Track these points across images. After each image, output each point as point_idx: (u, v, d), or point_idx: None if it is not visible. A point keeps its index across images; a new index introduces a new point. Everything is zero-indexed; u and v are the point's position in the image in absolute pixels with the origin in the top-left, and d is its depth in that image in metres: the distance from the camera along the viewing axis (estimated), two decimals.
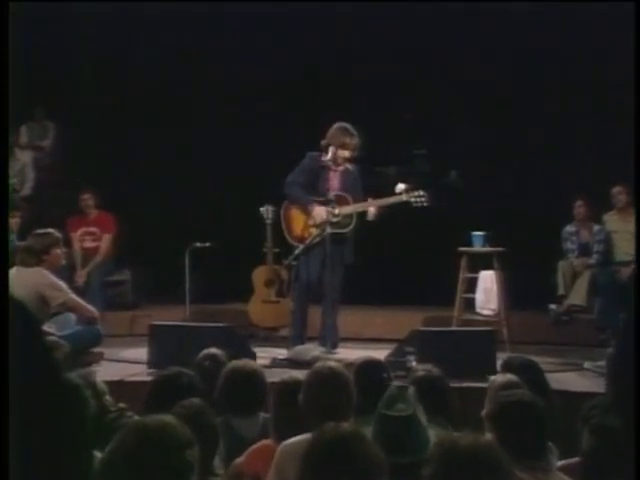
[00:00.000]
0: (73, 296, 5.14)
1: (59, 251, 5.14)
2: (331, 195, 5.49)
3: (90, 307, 5.22)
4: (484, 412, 2.90)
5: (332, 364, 2.85)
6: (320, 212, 5.45)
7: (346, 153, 5.52)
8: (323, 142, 5.56)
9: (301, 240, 5.52)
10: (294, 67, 7.36)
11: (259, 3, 6.99)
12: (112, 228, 6.94)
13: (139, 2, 6.98)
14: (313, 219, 5.50)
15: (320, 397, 2.68)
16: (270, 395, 3.07)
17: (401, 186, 5.49)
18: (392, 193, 5.53)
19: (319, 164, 5.55)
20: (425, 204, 5.45)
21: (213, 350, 3.69)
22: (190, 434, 1.85)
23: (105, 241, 6.89)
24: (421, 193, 5.47)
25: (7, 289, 2.09)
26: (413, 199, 5.46)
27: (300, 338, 5.51)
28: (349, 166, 5.63)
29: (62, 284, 5.09)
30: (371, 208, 5.46)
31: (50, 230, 5.16)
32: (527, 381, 3.20)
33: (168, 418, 1.88)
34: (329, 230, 5.35)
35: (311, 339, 5.61)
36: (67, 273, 6.60)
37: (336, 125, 5.54)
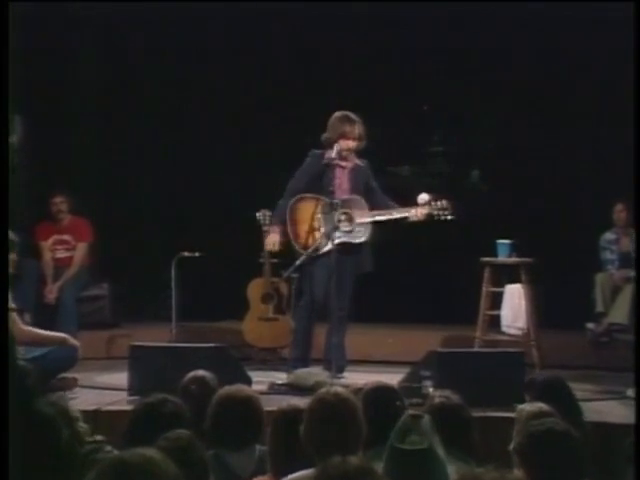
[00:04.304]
0: None
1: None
2: (337, 198, 5.46)
3: None
4: (512, 445, 2.89)
5: (338, 390, 2.84)
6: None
7: (349, 143, 5.47)
8: (323, 136, 5.55)
9: (305, 247, 5.51)
10: (297, 64, 7.44)
11: (260, 2, 7.12)
12: (88, 236, 6.93)
13: (138, 2, 7.09)
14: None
15: (324, 428, 2.68)
16: (267, 426, 3.07)
17: (424, 196, 5.44)
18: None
19: (324, 162, 5.54)
20: (449, 218, 5.41)
21: (201, 372, 3.68)
22: (176, 470, 1.85)
23: (80, 250, 6.87)
24: (444, 205, 5.43)
25: (7, 292, 2.11)
26: (436, 212, 5.42)
27: (303, 361, 5.47)
28: (359, 162, 5.61)
29: None
30: (420, 209, 5.39)
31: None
32: (553, 404, 3.19)
33: (151, 452, 1.88)
34: (334, 238, 5.32)
35: (314, 361, 5.59)
36: (37, 287, 6.63)
37: (335, 114, 5.52)
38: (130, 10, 7.16)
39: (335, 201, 5.40)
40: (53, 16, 7.10)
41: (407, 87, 7.35)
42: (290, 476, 2.62)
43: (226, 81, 7.50)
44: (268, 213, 6.13)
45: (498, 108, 7.24)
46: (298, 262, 5.45)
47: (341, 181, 5.54)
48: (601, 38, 6.78)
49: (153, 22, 7.33)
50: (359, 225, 5.46)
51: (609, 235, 6.55)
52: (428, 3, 7.02)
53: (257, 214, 6.22)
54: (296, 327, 5.63)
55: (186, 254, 6.25)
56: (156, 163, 7.61)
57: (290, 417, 2.90)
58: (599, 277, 6.40)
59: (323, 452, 2.45)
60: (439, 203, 5.42)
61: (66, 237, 6.93)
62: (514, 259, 6.10)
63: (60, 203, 6.89)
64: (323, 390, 2.86)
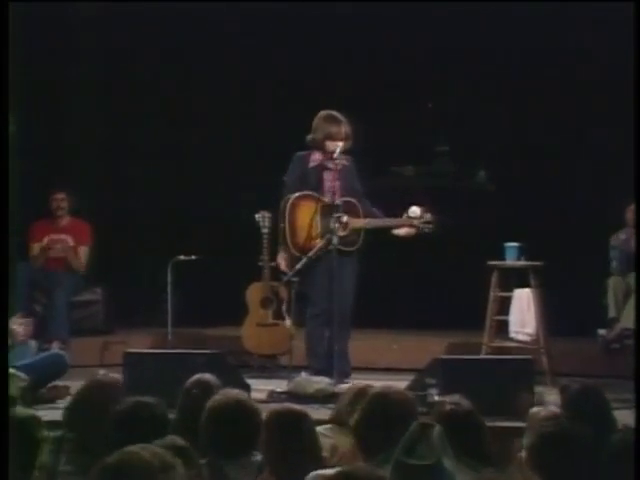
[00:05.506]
0: None
1: None
2: (337, 200, 5.41)
3: None
4: (522, 452, 2.85)
5: (396, 388, 2.80)
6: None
7: (337, 145, 5.42)
8: (308, 137, 5.49)
9: (303, 250, 5.45)
10: (297, 64, 7.43)
11: (260, 3, 7.16)
12: (89, 239, 6.90)
13: (138, 2, 7.11)
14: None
15: (386, 428, 2.63)
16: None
17: (415, 210, 5.48)
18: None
19: (310, 164, 5.49)
20: (428, 231, 5.46)
21: (207, 376, 3.64)
22: (167, 458, 1.84)
23: (84, 254, 6.83)
24: (429, 218, 5.46)
25: (7, 288, 2.10)
26: (421, 226, 5.47)
27: (327, 373, 5.29)
28: (345, 161, 5.55)
29: None
30: (408, 228, 5.45)
31: None
32: (586, 413, 3.15)
33: (130, 448, 1.88)
34: (335, 242, 5.29)
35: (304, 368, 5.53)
36: (28, 291, 6.58)
37: (319, 114, 5.47)
38: (130, 10, 7.19)
39: (336, 203, 5.36)
40: (53, 16, 7.14)
41: (410, 85, 7.33)
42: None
43: (226, 82, 7.52)
44: (267, 215, 6.11)
45: (504, 107, 7.22)
46: (298, 266, 5.42)
47: (332, 184, 5.49)
48: (601, 38, 6.76)
49: (153, 22, 7.37)
50: (352, 231, 5.42)
51: (620, 235, 6.49)
52: (429, 3, 7.01)
53: (256, 216, 6.19)
54: (312, 339, 5.50)
55: (183, 257, 6.23)
56: (153, 164, 7.60)
57: (285, 419, 2.86)
58: (611, 281, 6.33)
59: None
60: (425, 216, 5.46)
61: (63, 237, 6.88)
62: (523, 262, 6.05)
63: (61, 200, 6.86)
64: (382, 386, 2.89)
